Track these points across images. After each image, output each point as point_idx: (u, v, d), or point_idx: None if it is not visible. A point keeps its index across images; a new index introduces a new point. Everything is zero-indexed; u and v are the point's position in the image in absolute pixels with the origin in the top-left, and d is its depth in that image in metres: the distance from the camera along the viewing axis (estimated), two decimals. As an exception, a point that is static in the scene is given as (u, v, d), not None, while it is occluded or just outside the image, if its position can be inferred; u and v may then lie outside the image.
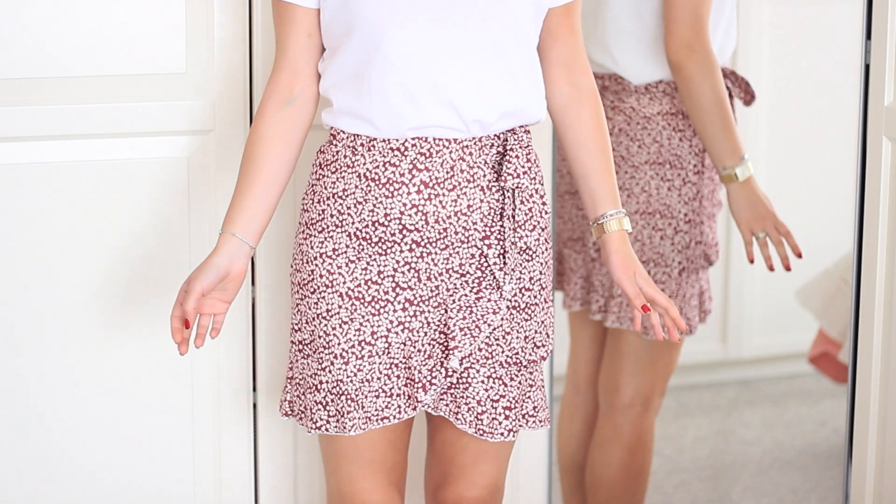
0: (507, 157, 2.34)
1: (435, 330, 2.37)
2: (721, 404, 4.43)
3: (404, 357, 2.36)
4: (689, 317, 3.00)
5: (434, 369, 2.37)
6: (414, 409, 2.38)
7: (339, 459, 2.42)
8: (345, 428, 2.36)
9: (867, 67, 2.71)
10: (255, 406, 2.77)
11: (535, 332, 2.41)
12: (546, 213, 2.40)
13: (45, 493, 2.67)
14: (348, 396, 2.35)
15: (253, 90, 2.66)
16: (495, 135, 2.35)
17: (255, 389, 2.77)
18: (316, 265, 2.36)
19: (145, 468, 2.71)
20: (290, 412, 2.45)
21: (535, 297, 2.40)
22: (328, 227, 2.35)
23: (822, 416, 4.31)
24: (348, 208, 2.34)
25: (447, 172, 2.32)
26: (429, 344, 2.37)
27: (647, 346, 3.05)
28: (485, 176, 2.34)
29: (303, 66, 2.35)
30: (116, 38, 2.58)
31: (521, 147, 2.36)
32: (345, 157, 2.34)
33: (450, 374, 2.37)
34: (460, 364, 2.37)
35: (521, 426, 2.42)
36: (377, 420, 2.36)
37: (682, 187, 2.96)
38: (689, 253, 2.97)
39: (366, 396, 2.35)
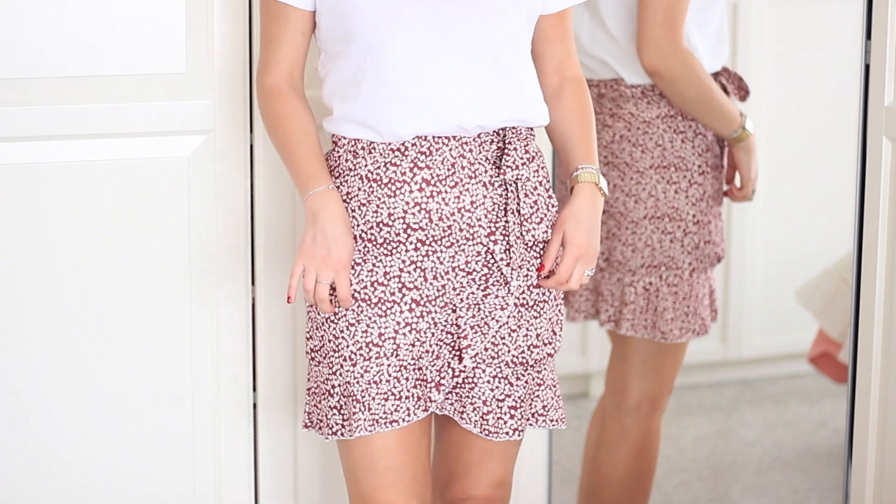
0: (507, 151, 2.34)
1: (442, 330, 2.36)
2: (721, 404, 4.43)
3: (413, 358, 2.35)
4: (702, 317, 3.00)
5: (443, 369, 2.36)
6: (425, 409, 2.36)
7: (357, 471, 2.38)
8: (352, 429, 2.34)
9: (867, 67, 2.71)
10: (255, 406, 2.77)
11: (544, 329, 2.41)
12: (553, 206, 2.39)
13: (45, 493, 2.67)
14: (354, 398, 2.34)
15: (253, 90, 2.66)
16: (494, 131, 2.36)
17: (255, 389, 2.77)
18: None
19: (145, 468, 2.71)
20: (309, 423, 2.43)
21: (543, 294, 2.40)
22: None
23: (822, 416, 4.31)
24: (353, 211, 2.34)
25: (448, 169, 2.32)
26: (436, 344, 2.36)
27: (655, 348, 3.04)
28: (486, 171, 2.35)
29: (299, 59, 2.37)
30: (116, 38, 2.58)
31: (519, 140, 2.36)
32: (346, 161, 2.35)
33: (456, 374, 2.37)
34: (472, 361, 2.36)
35: (528, 425, 2.42)
36: (385, 423, 2.34)
37: (689, 189, 2.95)
38: (698, 253, 2.97)
39: (373, 398, 2.34)
